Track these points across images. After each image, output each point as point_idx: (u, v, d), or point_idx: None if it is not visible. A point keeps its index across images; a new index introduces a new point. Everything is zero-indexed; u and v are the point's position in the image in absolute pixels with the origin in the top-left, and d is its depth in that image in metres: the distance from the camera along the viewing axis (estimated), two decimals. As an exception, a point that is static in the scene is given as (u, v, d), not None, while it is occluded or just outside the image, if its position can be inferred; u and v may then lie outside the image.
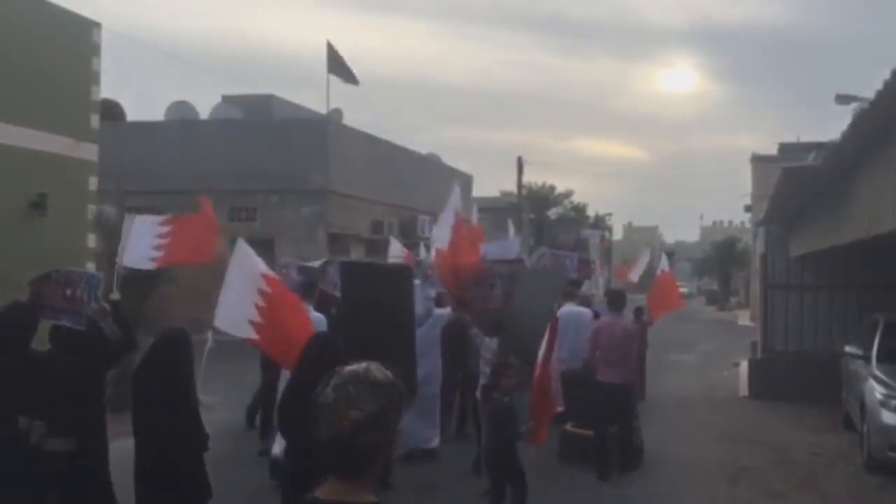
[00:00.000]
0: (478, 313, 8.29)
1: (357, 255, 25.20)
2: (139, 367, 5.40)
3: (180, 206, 23.51)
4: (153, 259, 7.61)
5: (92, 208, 13.72)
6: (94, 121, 14.11)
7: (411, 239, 27.64)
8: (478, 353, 8.20)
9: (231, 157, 23.59)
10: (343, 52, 25.10)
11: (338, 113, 26.57)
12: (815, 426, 11.91)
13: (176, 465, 5.18)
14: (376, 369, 2.20)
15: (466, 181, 37.02)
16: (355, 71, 25.45)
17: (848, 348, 11.05)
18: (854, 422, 10.47)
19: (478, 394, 7.87)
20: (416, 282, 8.68)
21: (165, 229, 7.69)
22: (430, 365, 8.82)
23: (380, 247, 26.23)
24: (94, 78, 13.96)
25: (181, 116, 25.79)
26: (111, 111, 26.91)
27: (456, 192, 9.77)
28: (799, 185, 10.73)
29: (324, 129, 24.09)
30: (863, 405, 9.68)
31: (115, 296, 6.73)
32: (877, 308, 12.15)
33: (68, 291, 5.42)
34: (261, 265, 6.87)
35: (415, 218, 28.87)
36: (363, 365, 2.20)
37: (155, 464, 5.18)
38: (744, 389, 15.15)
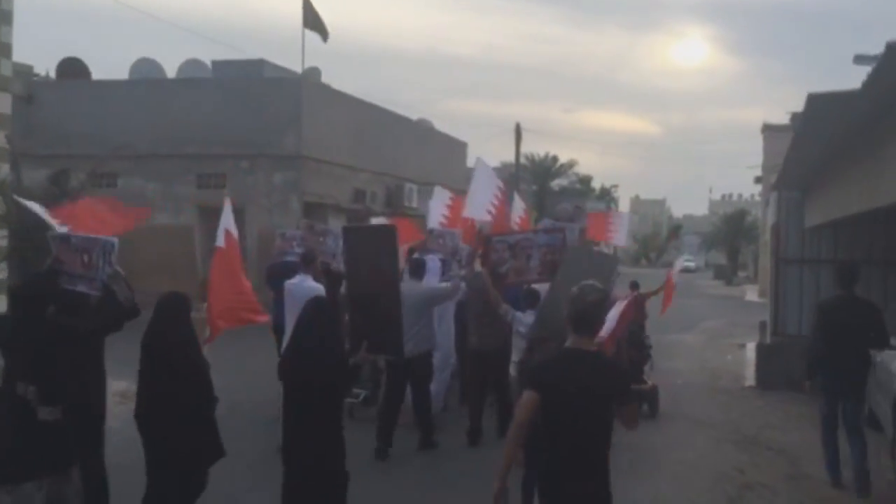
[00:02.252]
0: (509, 286, 8.14)
1: (337, 225, 23.42)
2: (146, 334, 5.35)
3: (143, 173, 22.16)
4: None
5: (2, 168, 11.89)
6: (6, 67, 12.27)
7: (397, 209, 25.85)
8: (506, 327, 8.16)
9: (198, 120, 21.74)
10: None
11: (315, 72, 24.60)
12: (834, 425, 10.12)
13: (186, 430, 5.21)
14: (595, 281, 4.19)
15: (461, 149, 35.19)
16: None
17: (875, 335, 9.23)
18: (881, 422, 8.72)
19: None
20: (439, 257, 9.31)
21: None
22: (442, 338, 9.10)
23: (361, 217, 24.53)
24: (4, 17, 12.12)
25: (146, 75, 23.85)
26: (74, 68, 25.14)
27: (486, 167, 9.93)
28: (826, 126, 8.51)
29: (297, 89, 22.14)
30: (894, 405, 7.94)
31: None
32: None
33: (85, 257, 5.52)
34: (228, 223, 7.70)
35: (402, 187, 26.98)
36: (590, 280, 4.18)
37: (165, 430, 5.22)
38: (750, 378, 13.36)
